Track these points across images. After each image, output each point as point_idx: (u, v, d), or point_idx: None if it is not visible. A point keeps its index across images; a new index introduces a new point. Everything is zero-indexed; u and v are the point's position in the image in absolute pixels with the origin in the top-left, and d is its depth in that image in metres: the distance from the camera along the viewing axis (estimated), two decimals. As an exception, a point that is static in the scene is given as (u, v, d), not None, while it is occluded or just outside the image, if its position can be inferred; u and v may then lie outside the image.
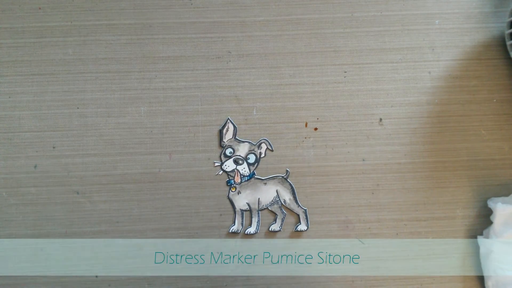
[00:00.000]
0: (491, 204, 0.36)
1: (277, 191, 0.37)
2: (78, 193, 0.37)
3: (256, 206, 0.37)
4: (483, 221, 0.37)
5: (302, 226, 0.37)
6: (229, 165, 0.37)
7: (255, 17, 0.39)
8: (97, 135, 0.38)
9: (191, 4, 0.40)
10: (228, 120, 0.38)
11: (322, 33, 0.39)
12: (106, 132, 0.38)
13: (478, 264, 0.36)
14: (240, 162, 0.37)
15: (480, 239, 0.36)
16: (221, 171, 0.37)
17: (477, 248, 0.36)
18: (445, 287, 0.36)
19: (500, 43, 0.39)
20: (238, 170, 0.37)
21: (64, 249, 0.36)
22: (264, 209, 0.37)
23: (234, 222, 0.37)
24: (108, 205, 0.37)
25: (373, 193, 0.37)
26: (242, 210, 0.37)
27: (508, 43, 0.38)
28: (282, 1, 0.40)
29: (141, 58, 0.39)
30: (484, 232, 0.36)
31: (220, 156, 0.37)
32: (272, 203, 0.37)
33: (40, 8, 0.39)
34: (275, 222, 0.37)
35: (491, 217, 0.36)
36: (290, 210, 0.37)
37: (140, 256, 0.36)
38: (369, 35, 0.39)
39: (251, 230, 0.37)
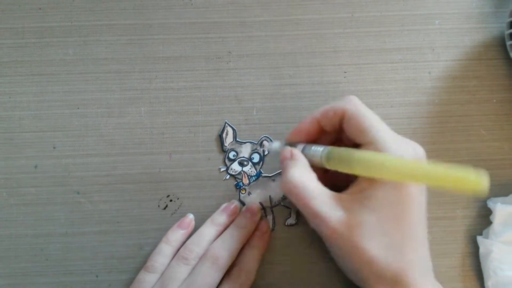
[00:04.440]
0: (490, 204, 0.36)
1: None
2: (78, 193, 0.37)
3: (269, 204, 0.37)
4: (482, 221, 0.37)
5: None
6: (235, 168, 0.37)
7: (255, 17, 0.40)
8: (98, 135, 0.38)
9: (191, 4, 0.40)
10: (226, 124, 0.38)
11: (322, 33, 0.39)
12: (106, 132, 0.38)
13: (478, 264, 0.36)
14: (245, 163, 0.37)
15: (480, 239, 0.36)
16: (228, 176, 0.37)
17: (476, 248, 0.36)
18: (445, 287, 0.36)
19: (500, 43, 0.39)
20: (244, 172, 0.37)
21: (64, 249, 0.36)
22: (277, 205, 0.37)
23: None
24: (108, 205, 0.37)
25: (373, 193, 0.37)
26: None
27: (508, 43, 0.38)
28: (283, 1, 0.40)
29: (141, 58, 0.39)
30: (484, 232, 0.36)
31: (224, 161, 0.37)
32: (284, 198, 0.37)
33: (40, 8, 0.39)
34: (290, 216, 0.37)
35: (491, 217, 0.36)
36: None
37: (140, 256, 0.36)
38: (369, 36, 0.39)
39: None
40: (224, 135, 0.37)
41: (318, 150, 0.30)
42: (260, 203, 0.37)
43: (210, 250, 0.32)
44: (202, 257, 0.32)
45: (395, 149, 0.27)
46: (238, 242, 0.33)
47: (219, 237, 0.33)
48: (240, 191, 0.37)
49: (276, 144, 0.34)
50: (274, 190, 0.37)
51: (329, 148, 0.29)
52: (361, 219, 0.27)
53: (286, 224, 0.36)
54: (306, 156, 0.31)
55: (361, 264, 0.27)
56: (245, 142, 0.38)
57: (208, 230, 0.34)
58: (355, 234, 0.27)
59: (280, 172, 0.37)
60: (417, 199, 0.27)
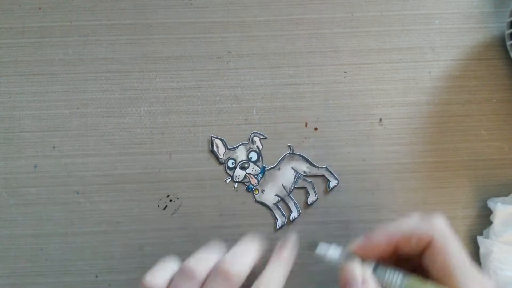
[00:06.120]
0: (491, 204, 0.36)
1: (292, 168, 0.37)
2: (78, 193, 0.37)
3: (285, 192, 0.37)
4: (483, 221, 0.37)
5: (332, 182, 0.37)
6: (239, 174, 0.37)
7: (255, 17, 0.39)
8: (97, 135, 0.38)
9: (191, 4, 0.40)
10: (212, 138, 0.37)
11: (322, 33, 0.39)
12: (106, 132, 0.38)
13: (478, 264, 0.36)
14: (246, 165, 0.37)
15: (480, 239, 0.36)
16: (236, 184, 0.37)
17: (477, 248, 0.36)
18: (445, 287, 0.36)
19: (500, 43, 0.39)
20: (249, 173, 0.37)
21: (64, 249, 0.36)
22: (292, 190, 0.37)
23: (276, 218, 0.36)
24: (108, 205, 0.37)
25: (373, 193, 0.37)
26: (275, 204, 0.37)
27: (508, 43, 0.38)
28: (282, 1, 0.40)
29: (141, 58, 0.39)
30: (484, 232, 0.36)
31: (226, 172, 0.37)
32: (295, 181, 0.37)
33: (40, 8, 0.39)
34: (310, 194, 0.37)
35: (491, 217, 0.36)
36: (315, 176, 0.37)
37: (139, 256, 0.36)
38: (369, 35, 0.39)
39: (294, 214, 0.36)
40: (215, 149, 0.37)
41: (395, 279, 0.26)
42: (277, 196, 0.37)
43: (221, 265, 0.26)
44: (211, 273, 0.26)
45: None
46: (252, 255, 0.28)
47: (231, 250, 0.28)
48: (253, 193, 0.37)
49: (334, 252, 0.28)
50: (283, 178, 0.37)
51: (409, 281, 0.25)
52: None
53: (308, 203, 0.37)
54: (377, 278, 0.26)
55: None
56: (237, 146, 0.37)
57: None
58: None
59: (281, 158, 0.37)
60: None
